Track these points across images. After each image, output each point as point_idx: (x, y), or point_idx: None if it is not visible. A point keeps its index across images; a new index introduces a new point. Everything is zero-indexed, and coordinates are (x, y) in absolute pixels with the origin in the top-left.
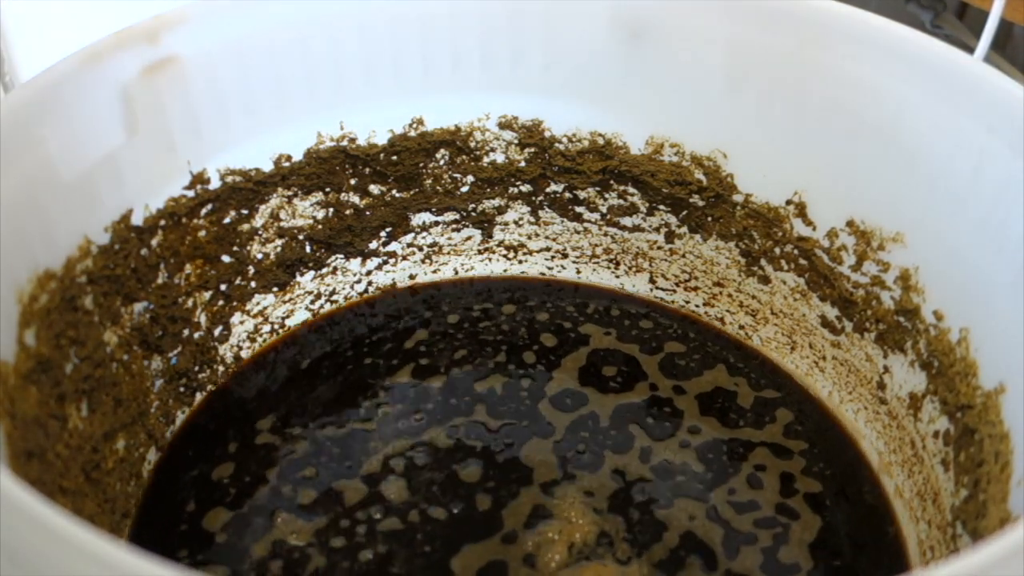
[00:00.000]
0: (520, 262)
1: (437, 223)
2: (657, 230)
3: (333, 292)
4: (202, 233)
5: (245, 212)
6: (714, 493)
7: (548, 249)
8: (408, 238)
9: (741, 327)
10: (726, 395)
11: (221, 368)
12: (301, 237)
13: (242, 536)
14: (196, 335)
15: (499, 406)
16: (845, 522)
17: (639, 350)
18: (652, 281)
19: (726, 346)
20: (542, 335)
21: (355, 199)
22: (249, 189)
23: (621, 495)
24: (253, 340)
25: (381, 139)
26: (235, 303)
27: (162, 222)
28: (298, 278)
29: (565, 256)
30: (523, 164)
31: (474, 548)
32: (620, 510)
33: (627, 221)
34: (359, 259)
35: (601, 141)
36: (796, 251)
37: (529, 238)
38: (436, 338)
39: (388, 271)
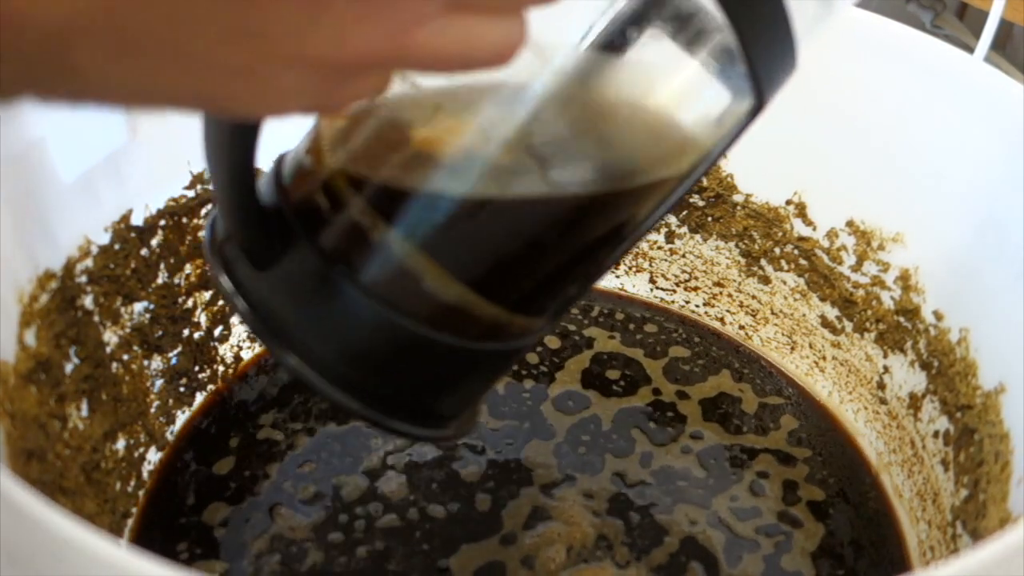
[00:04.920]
0: None
1: None
2: (657, 230)
3: None
4: (202, 233)
5: None
6: (716, 499)
7: None
8: None
9: (741, 327)
10: (730, 400)
11: (221, 368)
12: None
13: (241, 531)
14: (196, 335)
15: (501, 407)
16: (848, 530)
17: (643, 354)
18: (652, 281)
19: (731, 351)
20: (545, 337)
21: None
22: None
23: (621, 499)
24: (253, 340)
25: None
26: None
27: (162, 222)
28: None
29: None
30: None
31: (472, 548)
32: (619, 513)
33: None
34: None
35: None
36: (796, 251)
37: None
38: None
39: None
